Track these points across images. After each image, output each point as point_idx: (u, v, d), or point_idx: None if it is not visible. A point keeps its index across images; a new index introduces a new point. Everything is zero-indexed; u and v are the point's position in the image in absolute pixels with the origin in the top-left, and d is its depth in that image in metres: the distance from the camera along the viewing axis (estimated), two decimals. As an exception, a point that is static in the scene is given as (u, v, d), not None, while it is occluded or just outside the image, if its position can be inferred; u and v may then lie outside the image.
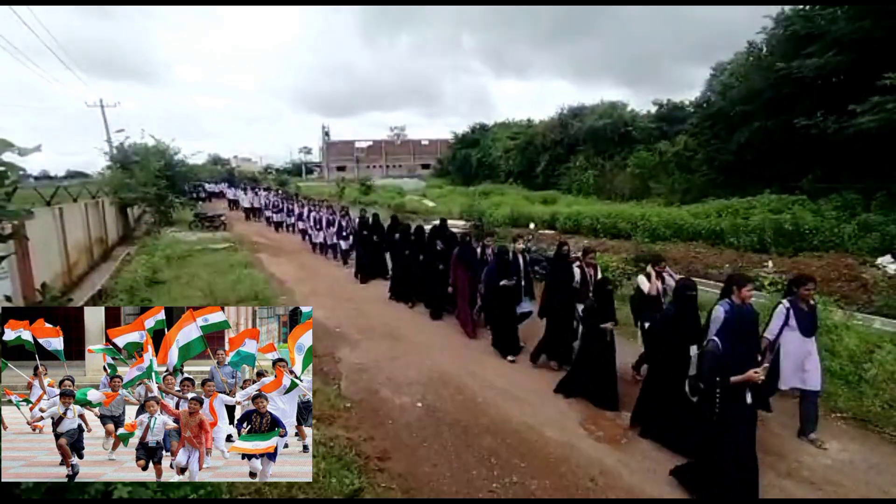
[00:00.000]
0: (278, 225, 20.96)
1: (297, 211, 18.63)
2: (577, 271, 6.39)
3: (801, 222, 13.36)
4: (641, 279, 5.97)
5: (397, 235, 10.19)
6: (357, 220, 12.34)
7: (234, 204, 29.83)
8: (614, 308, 5.56)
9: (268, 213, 22.75)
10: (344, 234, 13.06)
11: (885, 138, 13.39)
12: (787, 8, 17.83)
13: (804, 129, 15.57)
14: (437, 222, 10.28)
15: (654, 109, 29.43)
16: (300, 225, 17.61)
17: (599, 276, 6.46)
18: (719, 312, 4.33)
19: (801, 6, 17.29)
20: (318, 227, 14.76)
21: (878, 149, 14.13)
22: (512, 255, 7.10)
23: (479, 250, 8.16)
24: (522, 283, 7.06)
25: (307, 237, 16.67)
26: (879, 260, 11.08)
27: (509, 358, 6.70)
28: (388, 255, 11.17)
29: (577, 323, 6.35)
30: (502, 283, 6.72)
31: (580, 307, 6.18)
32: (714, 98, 22.21)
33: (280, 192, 26.28)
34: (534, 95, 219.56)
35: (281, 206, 21.04)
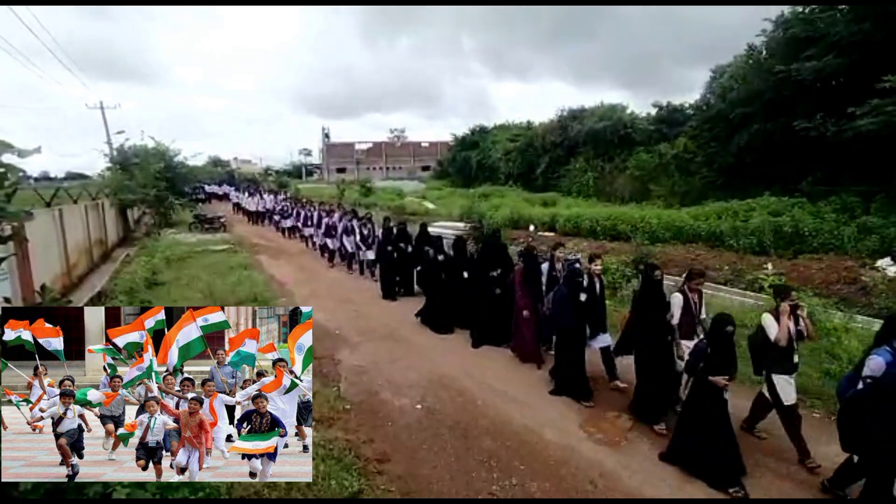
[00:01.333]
0: (289, 231, 19.29)
1: (304, 215, 17.05)
2: (676, 300, 5.03)
3: (801, 224, 13.38)
4: (767, 319, 4.49)
5: (432, 251, 9.03)
6: (381, 230, 11.13)
7: (238, 207, 28.54)
8: (735, 355, 4.35)
9: (275, 218, 21.18)
10: (368, 242, 11.74)
11: (885, 141, 13.42)
12: (786, 11, 17.89)
13: (804, 132, 15.61)
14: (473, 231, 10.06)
15: (653, 112, 29.48)
16: (306, 231, 16.33)
17: (705, 305, 5.23)
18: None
19: (800, 9, 17.34)
20: (332, 234, 13.27)
21: (878, 151, 14.16)
22: (587, 278, 5.83)
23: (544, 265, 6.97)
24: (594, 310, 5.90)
25: (313, 242, 15.70)
26: (879, 262, 11.09)
27: (584, 403, 5.53)
28: (415, 272, 10.26)
29: (681, 372, 4.98)
30: (565, 321, 5.59)
31: (685, 347, 4.85)
32: (714, 100, 22.28)
33: (288, 195, 24.34)
34: (533, 97, 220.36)
35: (290, 210, 19.39)
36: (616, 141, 28.35)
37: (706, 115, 22.38)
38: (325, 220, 13.78)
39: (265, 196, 25.33)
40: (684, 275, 5.38)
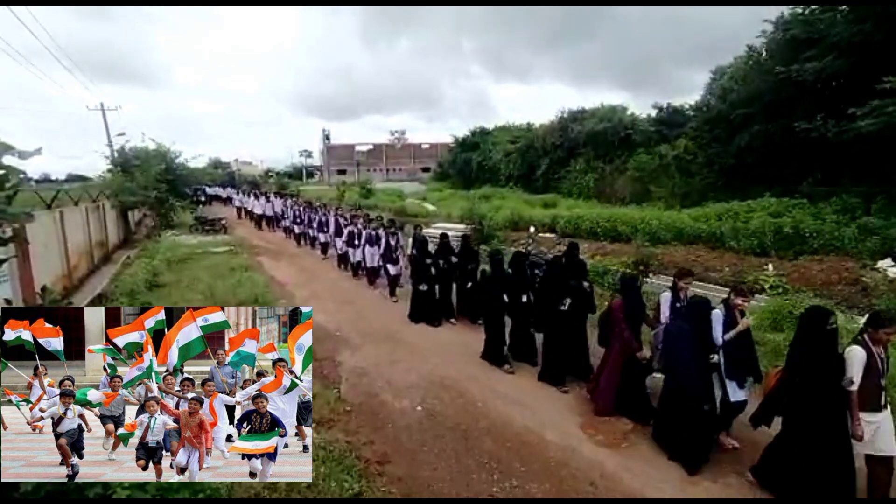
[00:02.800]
0: (300, 237, 17.81)
1: (319, 220, 15.50)
2: (856, 356, 3.67)
3: (802, 225, 13.35)
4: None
5: (485, 268, 7.53)
6: (411, 240, 9.95)
7: (245, 212, 26.81)
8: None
9: (286, 223, 19.54)
10: (393, 255, 10.37)
11: (886, 141, 13.41)
12: (786, 12, 17.90)
13: (804, 133, 15.60)
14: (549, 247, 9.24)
15: (654, 113, 29.49)
16: (322, 237, 15.01)
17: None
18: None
19: (800, 10, 17.36)
20: (354, 243, 11.79)
21: (879, 152, 14.15)
22: (725, 311, 4.60)
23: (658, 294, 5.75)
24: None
25: (319, 245, 15.22)
26: (880, 263, 11.06)
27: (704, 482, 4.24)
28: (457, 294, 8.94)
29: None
30: (689, 382, 4.30)
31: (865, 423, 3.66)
32: (714, 101, 22.26)
33: (298, 198, 22.40)
34: (534, 99, 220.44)
35: (302, 215, 17.71)
36: (616, 142, 28.35)
37: (706, 116, 22.36)
38: (348, 228, 12.23)
39: (273, 199, 23.75)
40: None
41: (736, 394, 4.48)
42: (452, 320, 8.61)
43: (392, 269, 10.33)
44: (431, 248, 9.15)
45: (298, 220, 17.77)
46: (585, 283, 6.25)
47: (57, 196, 12.21)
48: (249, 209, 25.39)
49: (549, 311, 6.12)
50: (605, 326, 5.43)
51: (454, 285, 8.82)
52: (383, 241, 10.43)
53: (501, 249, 9.13)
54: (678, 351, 4.38)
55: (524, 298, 6.64)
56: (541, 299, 6.43)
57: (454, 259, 8.78)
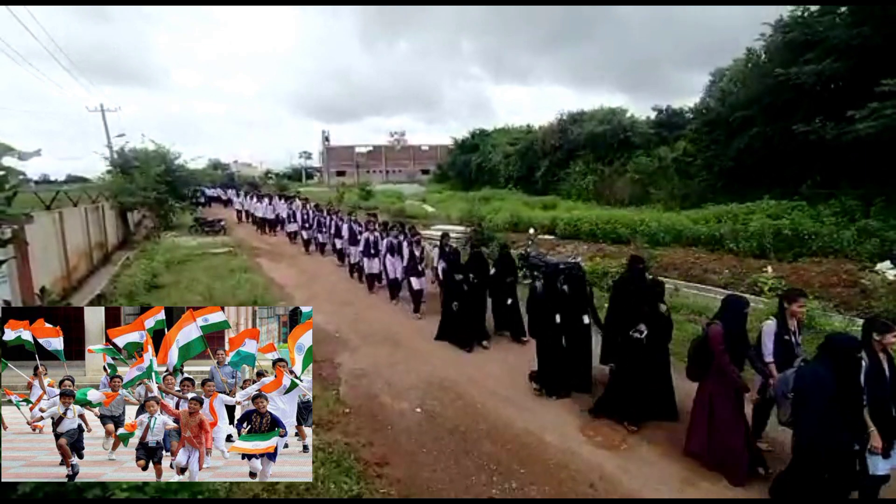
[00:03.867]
0: (309, 244, 16.35)
1: (333, 225, 14.09)
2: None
3: (801, 228, 13.38)
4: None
5: (536, 283, 6.19)
6: (437, 250, 9.17)
7: (246, 214, 25.11)
8: None
9: (292, 228, 17.96)
10: (418, 267, 9.31)
11: (884, 144, 13.44)
12: (785, 14, 17.95)
13: (803, 135, 15.64)
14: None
15: (653, 115, 29.57)
16: (338, 243, 13.64)
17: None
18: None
19: (799, 13, 17.41)
20: (371, 252, 10.64)
21: (877, 154, 14.19)
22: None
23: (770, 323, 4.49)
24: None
25: (333, 251, 14.05)
26: (879, 265, 11.08)
27: None
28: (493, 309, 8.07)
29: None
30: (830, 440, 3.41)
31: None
32: (713, 104, 22.32)
33: (307, 201, 19.92)
34: (533, 101, 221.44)
35: (311, 219, 16.15)
36: (616, 144, 28.40)
37: (706, 118, 22.41)
38: (364, 236, 10.91)
39: (277, 201, 21.92)
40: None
41: (880, 465, 3.46)
42: (485, 343, 7.53)
43: (416, 283, 9.22)
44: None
45: (307, 225, 16.27)
46: (663, 306, 5.24)
47: (56, 197, 12.22)
48: (251, 212, 23.84)
49: (621, 340, 5.24)
50: (699, 358, 4.45)
51: (489, 302, 7.99)
52: (406, 250, 9.34)
53: (556, 264, 7.73)
54: (812, 401, 3.49)
55: (586, 320, 5.92)
56: (610, 326, 5.59)
57: (490, 273, 7.95)
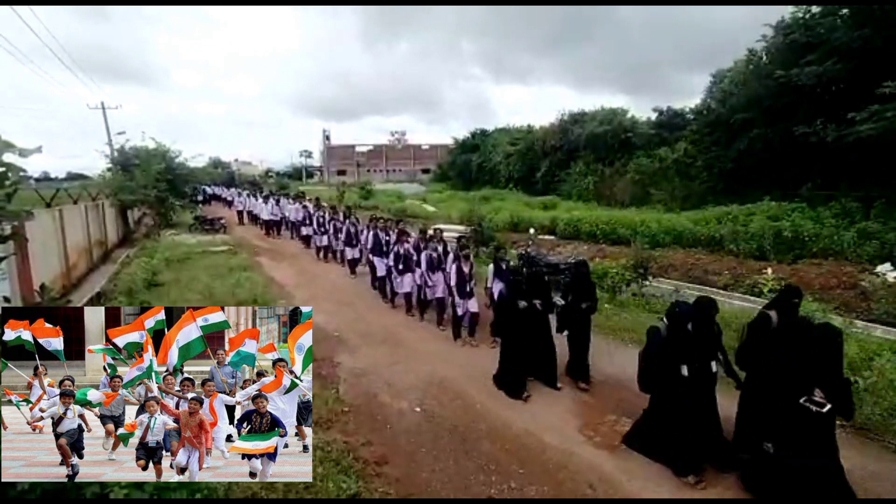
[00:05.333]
0: (325, 251, 14.37)
1: (348, 230, 12.15)
2: None
3: (801, 229, 13.41)
4: None
5: (658, 325, 4.55)
6: (491, 267, 7.56)
7: (248, 215, 23.55)
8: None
9: (305, 231, 16.07)
10: (468, 287, 7.52)
11: (885, 146, 13.46)
12: (786, 16, 17.97)
13: (804, 137, 15.67)
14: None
15: (654, 116, 29.67)
16: (349, 253, 12.13)
17: None
18: None
19: (800, 14, 17.41)
20: (407, 267, 8.76)
21: (878, 156, 14.21)
22: None
23: None
24: None
25: (345, 262, 12.41)
26: (879, 268, 11.10)
27: None
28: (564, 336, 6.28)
29: None
30: None
31: None
32: (714, 105, 22.35)
33: (317, 199, 18.04)
34: (534, 101, 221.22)
35: (326, 224, 14.04)
36: (616, 145, 28.44)
37: (706, 119, 22.45)
38: (395, 248, 9.05)
39: (285, 202, 20.07)
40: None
41: None
42: (559, 385, 6.02)
43: (471, 305, 7.52)
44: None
45: (322, 229, 14.22)
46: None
47: (56, 194, 12.21)
48: (254, 212, 22.35)
49: (780, 409, 3.86)
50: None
51: (558, 334, 6.29)
52: (452, 266, 7.57)
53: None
54: None
55: (714, 368, 4.33)
56: (758, 388, 4.29)
57: (559, 300, 6.38)
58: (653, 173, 24.85)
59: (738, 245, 14.09)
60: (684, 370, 4.22)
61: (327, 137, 71.51)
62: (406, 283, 8.86)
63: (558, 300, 6.25)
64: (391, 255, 9.18)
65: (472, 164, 43.17)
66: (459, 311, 7.60)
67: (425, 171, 63.46)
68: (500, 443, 4.80)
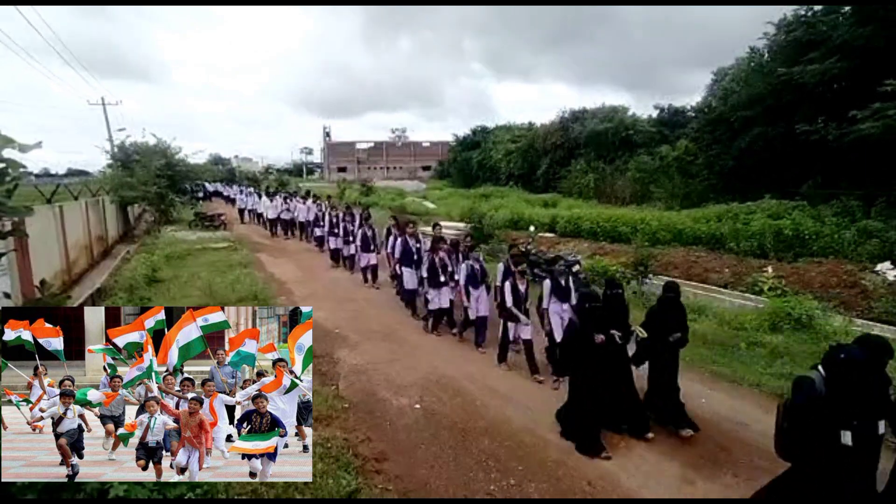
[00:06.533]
0: (339, 256, 12.91)
1: (364, 235, 10.82)
2: None
3: (802, 228, 13.39)
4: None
5: (811, 375, 3.32)
6: (547, 283, 6.29)
7: (251, 214, 22.64)
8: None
9: (318, 232, 14.68)
10: (523, 306, 6.26)
11: (886, 145, 13.44)
12: (788, 14, 17.91)
13: (805, 135, 15.63)
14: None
15: (655, 114, 29.63)
16: (364, 259, 10.92)
17: None
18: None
19: (802, 12, 17.36)
20: (443, 279, 7.60)
21: (879, 155, 14.18)
22: None
23: None
24: None
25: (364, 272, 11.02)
26: (879, 266, 11.09)
27: None
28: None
29: None
30: None
31: None
32: (715, 103, 22.30)
33: (329, 198, 16.76)
34: (535, 99, 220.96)
35: (338, 225, 12.67)
36: (617, 143, 28.41)
37: (707, 117, 22.40)
38: (429, 258, 7.82)
39: (297, 201, 18.11)
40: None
41: None
42: (649, 435, 4.81)
43: (524, 331, 6.23)
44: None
45: (335, 231, 12.83)
46: None
47: (57, 191, 12.21)
48: (258, 211, 21.17)
49: None
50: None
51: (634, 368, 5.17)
52: (506, 284, 6.27)
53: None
54: None
55: (881, 429, 3.22)
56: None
57: (639, 330, 5.06)
58: (653, 171, 24.81)
59: (739, 243, 14.07)
60: (847, 438, 3.16)
61: (328, 134, 71.45)
62: (443, 299, 7.66)
63: (639, 330, 4.99)
64: (424, 266, 7.90)
65: (472, 161, 43.16)
66: (512, 336, 6.28)
67: (426, 169, 63.40)
68: (499, 440, 4.81)
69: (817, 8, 16.99)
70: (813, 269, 11.73)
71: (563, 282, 6.22)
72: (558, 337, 5.87)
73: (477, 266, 7.27)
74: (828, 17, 16.35)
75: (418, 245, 8.85)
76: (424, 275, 7.82)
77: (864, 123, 13.43)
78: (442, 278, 7.57)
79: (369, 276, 11.05)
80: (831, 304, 9.41)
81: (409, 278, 8.77)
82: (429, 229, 10.04)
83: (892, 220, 12.71)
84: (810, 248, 12.98)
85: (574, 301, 5.96)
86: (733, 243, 14.24)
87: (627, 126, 28.75)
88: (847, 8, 16.03)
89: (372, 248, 10.81)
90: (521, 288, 6.27)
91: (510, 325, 6.27)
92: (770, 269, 11.45)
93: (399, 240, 9.13)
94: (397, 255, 9.06)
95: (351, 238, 11.90)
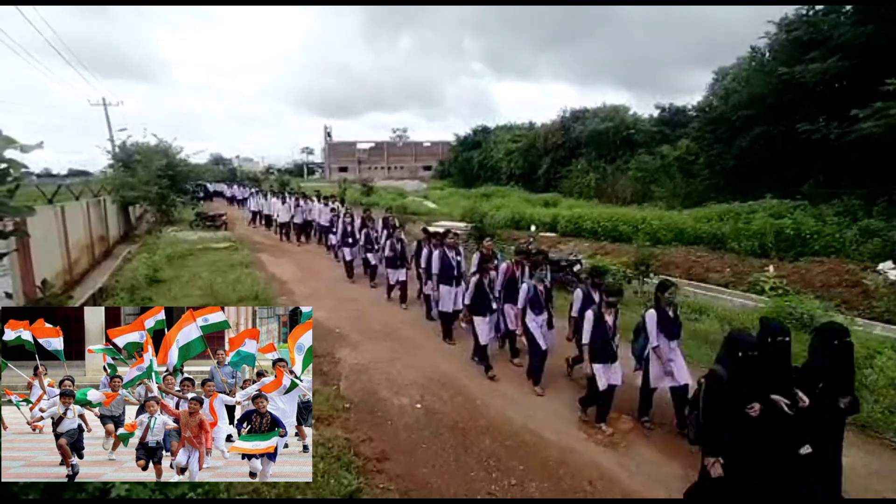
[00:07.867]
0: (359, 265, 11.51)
1: (393, 247, 9.46)
2: None
3: (803, 227, 13.37)
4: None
5: None
6: (651, 314, 4.84)
7: (259, 217, 21.27)
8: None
9: (332, 240, 13.24)
10: (614, 344, 5.05)
11: (887, 144, 13.41)
12: (789, 13, 17.90)
13: (806, 134, 15.61)
14: None
15: (656, 113, 29.59)
16: (391, 275, 9.49)
17: None
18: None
19: (803, 11, 17.34)
20: (495, 303, 6.46)
21: (880, 154, 14.16)
22: None
23: None
24: None
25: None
26: (880, 265, 11.07)
27: None
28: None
29: None
30: None
31: None
32: (716, 102, 22.28)
33: (342, 200, 15.66)
34: (535, 98, 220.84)
35: (357, 231, 11.25)
36: (618, 142, 28.38)
37: (708, 117, 22.38)
38: (474, 278, 6.42)
39: (308, 203, 16.18)
40: None
41: None
42: None
43: (613, 376, 4.98)
44: None
45: (349, 239, 11.35)
46: None
47: (58, 191, 12.23)
48: (267, 212, 19.86)
49: None
50: None
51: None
52: (588, 314, 4.98)
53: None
54: None
55: None
56: None
57: (802, 396, 3.44)
58: (654, 170, 24.80)
59: (740, 243, 14.05)
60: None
61: (329, 134, 71.43)
62: (487, 327, 6.38)
63: (801, 396, 3.43)
64: (471, 286, 6.44)
65: (473, 161, 43.15)
66: (603, 384, 4.87)
67: (427, 168, 63.39)
68: (500, 439, 4.80)
69: (818, 7, 16.97)
70: (814, 268, 11.72)
71: (670, 312, 4.88)
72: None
73: (541, 287, 6.02)
74: (829, 17, 16.34)
75: (459, 258, 7.63)
76: (467, 302, 6.48)
77: (866, 122, 13.41)
78: (494, 305, 6.38)
79: (396, 295, 9.56)
80: (833, 304, 9.39)
81: (447, 299, 7.47)
82: (432, 229, 9.63)
83: (894, 219, 12.69)
84: (812, 247, 12.96)
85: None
86: (734, 243, 14.22)
87: (628, 125, 28.72)
88: (848, 7, 16.00)
89: (400, 263, 9.38)
90: (609, 321, 4.90)
91: (598, 368, 4.86)
92: (771, 269, 11.44)
93: (436, 252, 7.73)
94: (435, 270, 7.63)
95: (376, 247, 10.62)
